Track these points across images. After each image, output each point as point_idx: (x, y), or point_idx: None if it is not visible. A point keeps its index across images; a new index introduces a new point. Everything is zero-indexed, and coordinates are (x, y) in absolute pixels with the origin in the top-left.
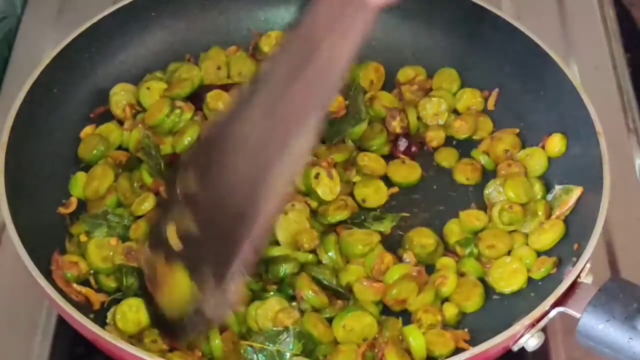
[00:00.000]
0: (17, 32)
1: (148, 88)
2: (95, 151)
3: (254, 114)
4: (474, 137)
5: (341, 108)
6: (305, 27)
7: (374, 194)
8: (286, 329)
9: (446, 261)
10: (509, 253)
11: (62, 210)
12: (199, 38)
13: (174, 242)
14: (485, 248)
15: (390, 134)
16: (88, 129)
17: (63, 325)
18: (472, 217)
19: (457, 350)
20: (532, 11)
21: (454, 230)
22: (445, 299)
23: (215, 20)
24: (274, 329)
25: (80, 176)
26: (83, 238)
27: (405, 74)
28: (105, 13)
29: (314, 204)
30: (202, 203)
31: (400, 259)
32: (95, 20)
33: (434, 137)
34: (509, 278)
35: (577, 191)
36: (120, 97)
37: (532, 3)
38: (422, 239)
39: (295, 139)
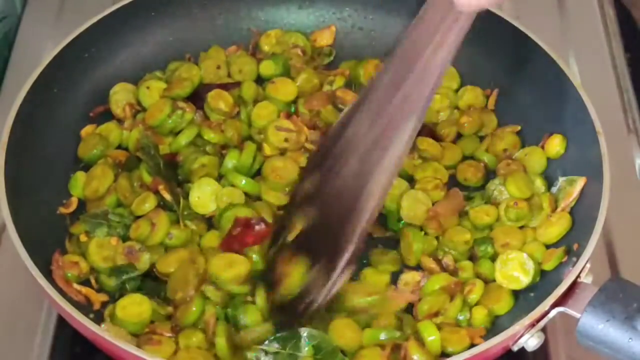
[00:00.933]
0: (17, 32)
1: (148, 87)
2: (95, 150)
3: (363, 121)
4: (480, 134)
5: None
6: (408, 40)
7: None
8: (297, 332)
9: (463, 264)
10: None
11: (62, 210)
12: (199, 38)
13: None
14: (499, 247)
15: None
16: (88, 129)
17: (63, 325)
18: (481, 214)
19: (472, 347)
20: (532, 11)
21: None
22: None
23: (215, 20)
24: (285, 332)
25: (80, 176)
26: (83, 238)
27: None
28: (105, 13)
29: None
30: (321, 201)
31: (439, 262)
32: (95, 20)
33: (449, 133)
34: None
35: (580, 181)
36: (120, 96)
37: (532, 3)
38: (459, 236)
39: (397, 141)
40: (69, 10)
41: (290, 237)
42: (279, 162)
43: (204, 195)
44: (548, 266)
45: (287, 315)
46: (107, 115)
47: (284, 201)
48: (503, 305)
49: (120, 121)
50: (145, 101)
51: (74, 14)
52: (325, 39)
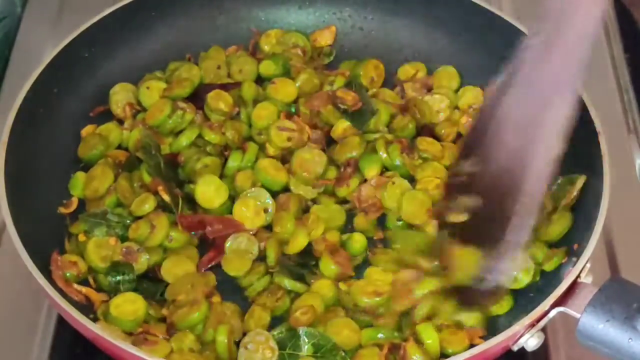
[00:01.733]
0: (17, 32)
1: (148, 87)
2: (94, 150)
3: (516, 91)
4: None
5: (356, 101)
6: (555, 5)
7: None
8: (296, 330)
9: None
10: None
11: (62, 210)
12: (199, 38)
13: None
14: None
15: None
16: (89, 129)
17: (63, 325)
18: None
19: (472, 347)
20: (532, 11)
21: None
22: None
23: (215, 20)
24: (284, 332)
25: (80, 176)
26: (82, 238)
27: (406, 71)
28: (105, 13)
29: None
30: (483, 181)
31: None
32: (95, 20)
33: (449, 133)
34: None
35: (580, 180)
36: (120, 96)
37: (532, 3)
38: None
39: (553, 110)
40: (69, 10)
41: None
42: (307, 154)
43: (209, 191)
44: (548, 267)
45: (471, 297)
46: (108, 115)
47: (314, 195)
48: (503, 305)
49: (120, 121)
50: (145, 101)
51: (74, 14)
52: (325, 39)
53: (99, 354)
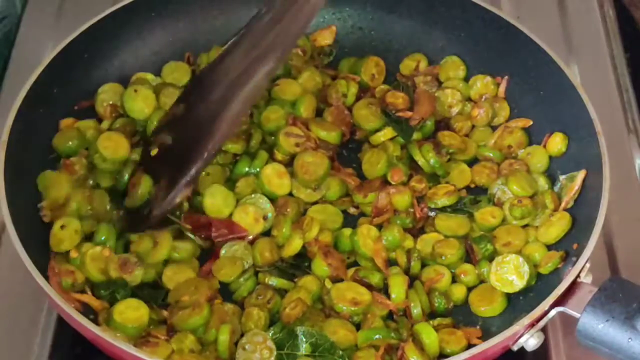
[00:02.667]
0: (17, 32)
1: (135, 90)
2: (69, 143)
3: (236, 56)
4: (492, 124)
5: (407, 102)
6: None
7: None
8: (293, 330)
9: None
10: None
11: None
12: (199, 38)
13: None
14: (501, 246)
15: None
16: (68, 121)
17: (63, 325)
18: (487, 215)
19: (470, 347)
20: (532, 11)
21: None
22: (465, 303)
23: (215, 21)
24: (280, 331)
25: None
26: (74, 254)
27: (407, 65)
28: (106, 13)
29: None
30: (184, 122)
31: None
32: (95, 20)
33: (463, 127)
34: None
35: (580, 175)
36: (106, 95)
37: (532, 3)
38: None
39: (265, 66)
40: (69, 10)
41: (153, 152)
42: (310, 157)
43: (217, 201)
44: (545, 270)
45: (134, 220)
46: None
47: (314, 198)
48: (495, 307)
49: (101, 121)
50: (128, 104)
51: (74, 14)
52: (325, 38)
53: (99, 354)
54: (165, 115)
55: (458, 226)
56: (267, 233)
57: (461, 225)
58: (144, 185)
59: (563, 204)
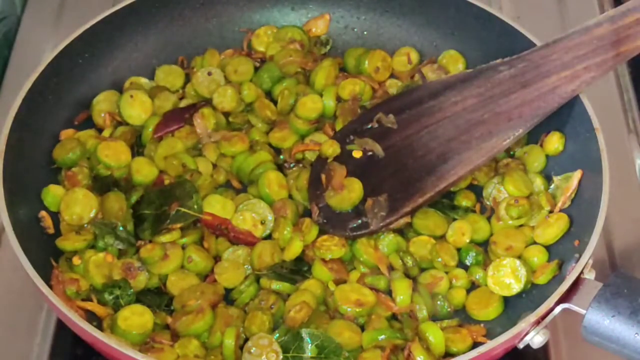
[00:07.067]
0: (17, 32)
1: (132, 96)
2: (70, 154)
3: (471, 95)
4: None
5: None
6: (539, 56)
7: None
8: (299, 332)
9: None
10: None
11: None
12: (194, 41)
13: (377, 148)
14: (503, 251)
15: None
16: (68, 132)
17: (62, 327)
18: (458, 233)
19: (475, 346)
20: (532, 11)
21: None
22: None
23: (208, 24)
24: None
25: (54, 191)
26: (76, 261)
27: (398, 61)
28: (103, 16)
29: None
30: (395, 137)
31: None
32: (93, 22)
33: None
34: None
35: (576, 175)
36: (102, 106)
37: (532, 3)
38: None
39: (501, 135)
40: (69, 11)
41: (356, 154)
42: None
43: (216, 210)
44: (540, 280)
45: (334, 224)
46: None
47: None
48: (492, 310)
49: (100, 130)
50: (125, 110)
51: (74, 14)
52: (319, 27)
53: (99, 355)
54: (367, 112)
55: (435, 226)
56: (266, 238)
57: (438, 225)
58: (358, 190)
59: (559, 205)
